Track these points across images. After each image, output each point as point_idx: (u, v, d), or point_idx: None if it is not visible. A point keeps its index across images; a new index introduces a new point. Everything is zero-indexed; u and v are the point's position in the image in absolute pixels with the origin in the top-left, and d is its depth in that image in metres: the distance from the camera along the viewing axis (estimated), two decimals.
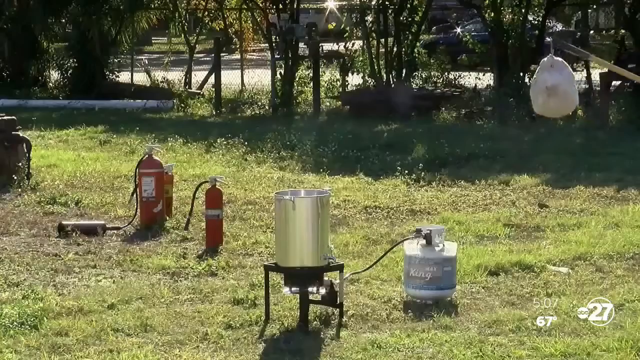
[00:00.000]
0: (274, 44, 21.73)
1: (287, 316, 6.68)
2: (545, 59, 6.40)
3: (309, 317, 6.57)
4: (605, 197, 10.83)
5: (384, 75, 20.75)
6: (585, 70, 21.11)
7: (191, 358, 5.99)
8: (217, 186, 9.09)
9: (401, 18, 20.98)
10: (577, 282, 7.50)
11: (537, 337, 6.24)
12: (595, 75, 20.82)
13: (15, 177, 11.71)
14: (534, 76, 6.51)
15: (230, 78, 23.56)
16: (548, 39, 19.82)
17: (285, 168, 13.20)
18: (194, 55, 24.89)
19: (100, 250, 8.79)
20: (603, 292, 6.69)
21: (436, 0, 27.34)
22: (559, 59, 6.37)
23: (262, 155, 14.07)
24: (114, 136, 16.25)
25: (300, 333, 6.42)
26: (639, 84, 19.33)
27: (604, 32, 31.87)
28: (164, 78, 23.66)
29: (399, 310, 6.90)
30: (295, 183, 11.84)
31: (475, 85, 20.91)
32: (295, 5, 21.76)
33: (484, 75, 21.48)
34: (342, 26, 22.83)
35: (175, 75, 23.93)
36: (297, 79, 21.13)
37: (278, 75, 21.02)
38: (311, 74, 20.71)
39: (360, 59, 21.58)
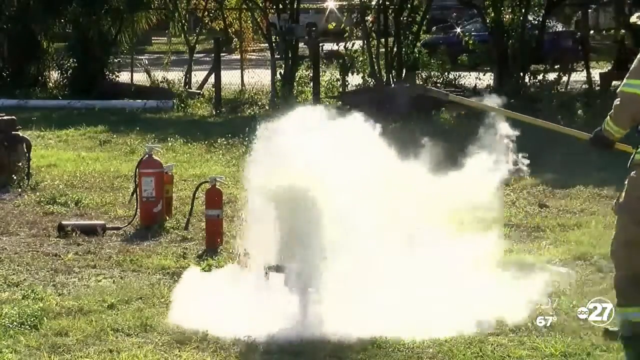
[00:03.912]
0: (274, 44, 21.73)
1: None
2: None
3: None
4: (605, 197, 10.78)
5: (384, 75, 20.75)
6: (585, 70, 21.09)
7: (191, 358, 5.98)
8: (217, 186, 9.09)
9: (401, 18, 20.99)
10: (577, 282, 7.49)
11: (537, 337, 6.23)
12: (596, 75, 20.80)
13: (15, 177, 11.71)
14: None
15: (230, 78, 23.54)
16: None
17: None
18: (194, 55, 24.90)
19: (100, 250, 8.79)
20: (603, 292, 6.67)
21: (436, 0, 27.33)
22: None
23: None
24: (114, 136, 16.24)
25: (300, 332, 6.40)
26: None
27: (604, 32, 31.89)
28: (164, 78, 23.67)
29: None
30: None
31: (475, 85, 20.90)
32: (295, 5, 21.76)
33: (484, 75, 21.47)
34: (342, 26, 22.85)
35: (175, 75, 23.92)
36: (297, 79, 21.13)
37: (278, 75, 21.01)
38: (311, 74, 20.71)
39: (360, 59, 21.58)
